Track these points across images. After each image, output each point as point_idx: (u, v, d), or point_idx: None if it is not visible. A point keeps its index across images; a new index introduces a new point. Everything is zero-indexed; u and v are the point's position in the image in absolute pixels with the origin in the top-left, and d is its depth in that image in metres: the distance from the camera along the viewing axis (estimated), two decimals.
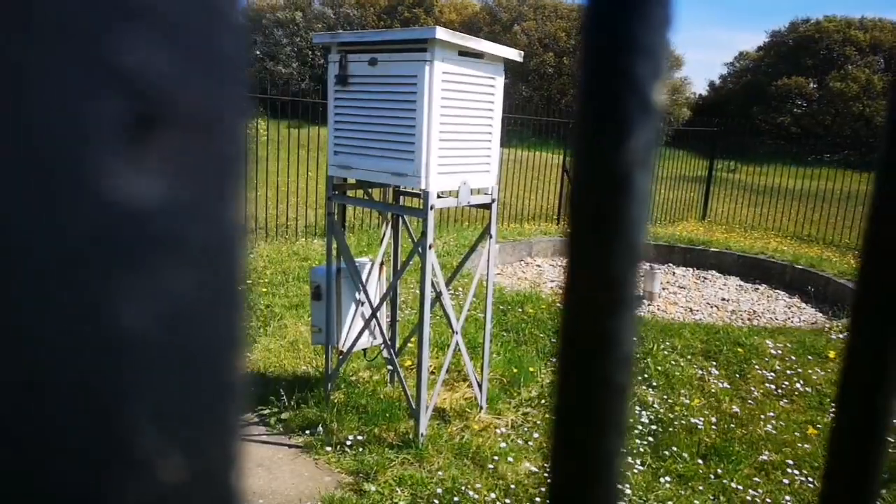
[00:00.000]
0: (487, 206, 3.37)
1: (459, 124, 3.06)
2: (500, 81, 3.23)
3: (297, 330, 4.76)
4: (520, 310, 5.13)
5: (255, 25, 40.35)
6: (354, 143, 3.22)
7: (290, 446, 3.31)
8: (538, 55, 34.96)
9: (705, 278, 7.81)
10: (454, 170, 3.08)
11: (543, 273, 7.70)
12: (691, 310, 6.48)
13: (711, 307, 6.60)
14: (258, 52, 39.97)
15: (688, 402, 3.81)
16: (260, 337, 4.69)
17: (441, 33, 2.80)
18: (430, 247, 3.04)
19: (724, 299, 6.92)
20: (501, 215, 9.95)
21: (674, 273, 8.03)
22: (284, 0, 40.35)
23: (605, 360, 0.26)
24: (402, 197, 3.63)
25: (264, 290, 5.71)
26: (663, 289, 7.15)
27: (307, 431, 3.38)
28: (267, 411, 3.58)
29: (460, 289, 5.50)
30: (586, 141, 0.25)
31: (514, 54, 3.21)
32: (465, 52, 3.01)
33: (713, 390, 4.00)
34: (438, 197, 3.05)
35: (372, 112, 3.11)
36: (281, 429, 3.45)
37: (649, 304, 6.60)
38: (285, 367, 4.18)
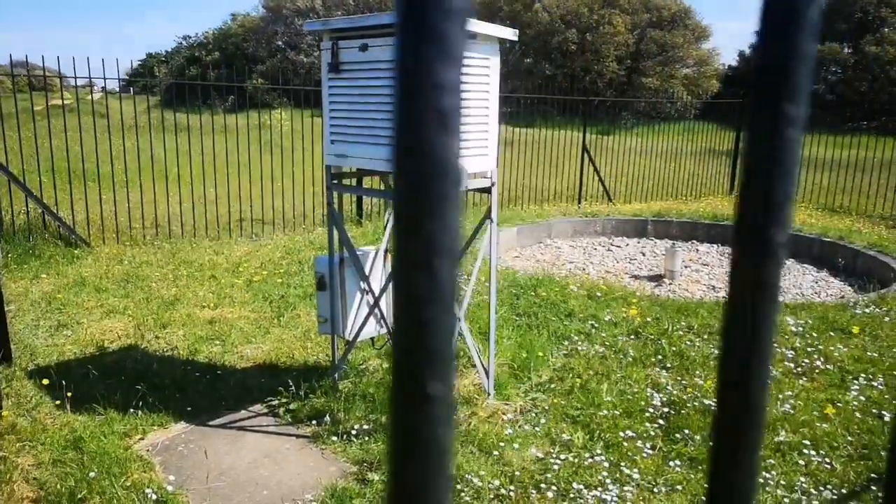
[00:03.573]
0: (487, 190, 3.31)
1: None
2: (495, 62, 3.15)
3: (310, 320, 4.77)
4: (533, 293, 5.07)
5: (275, 16, 40.44)
6: (349, 132, 3.18)
7: (297, 436, 3.32)
8: (560, 32, 34.38)
9: (730, 255, 7.62)
10: None
11: (562, 254, 7.60)
12: (714, 287, 6.33)
13: None
14: (279, 43, 40.11)
15: (702, 383, 3.72)
16: (273, 327, 4.71)
17: None
18: None
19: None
20: (522, 197, 9.83)
21: (697, 250, 7.85)
22: None
23: None
24: None
25: (279, 280, 5.74)
26: (685, 266, 7.00)
27: (314, 421, 3.39)
28: (276, 402, 3.60)
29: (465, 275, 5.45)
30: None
31: (509, 33, 3.13)
32: None
33: None
34: None
35: (365, 99, 3.07)
36: (289, 419, 3.46)
37: (670, 283, 6.47)
38: (296, 357, 4.20)
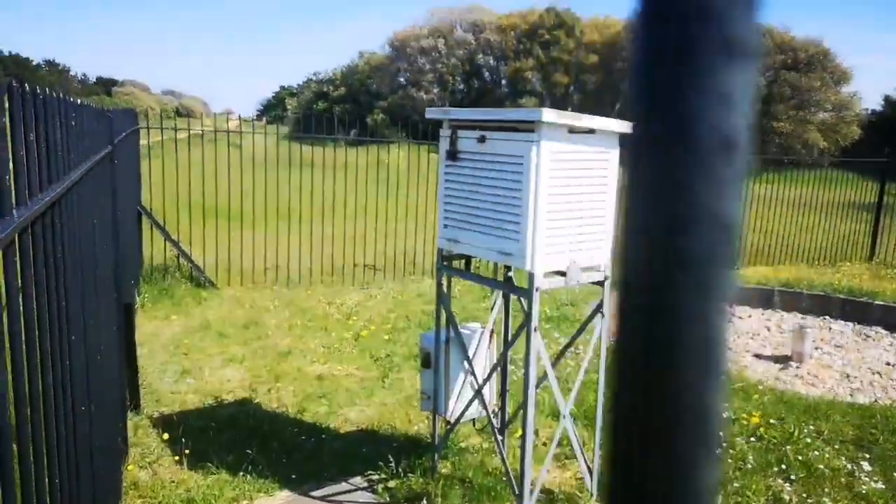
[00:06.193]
0: (600, 284, 3.21)
1: (569, 202, 2.94)
2: (614, 154, 3.07)
3: (413, 385, 4.81)
4: None
5: (399, 54, 42.20)
6: (462, 218, 3.20)
7: None
8: None
9: (868, 336, 6.94)
10: (563, 248, 2.97)
11: None
12: (848, 376, 5.77)
13: (873, 374, 5.85)
14: (402, 80, 41.72)
15: (830, 503, 3.37)
16: (377, 389, 4.79)
17: (548, 115, 2.71)
18: (534, 329, 2.94)
19: (889, 364, 6.11)
20: None
21: (830, 328, 7.22)
22: (428, 29, 41.83)
23: None
24: (513, 268, 3.55)
25: (386, 337, 5.85)
26: (816, 348, 6.45)
27: None
28: (375, 477, 3.63)
29: (580, 346, 5.30)
30: None
31: (629, 127, 3.03)
32: (575, 129, 2.90)
33: (863, 490, 3.50)
34: (545, 277, 2.95)
35: (480, 188, 3.08)
36: (387, 498, 3.47)
37: (797, 367, 5.97)
38: (397, 426, 4.23)
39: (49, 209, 1.37)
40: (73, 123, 1.90)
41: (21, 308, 1.14)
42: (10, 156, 1.10)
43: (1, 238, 0.98)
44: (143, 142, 7.93)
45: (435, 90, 39.44)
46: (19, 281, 1.13)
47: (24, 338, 1.16)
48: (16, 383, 1.10)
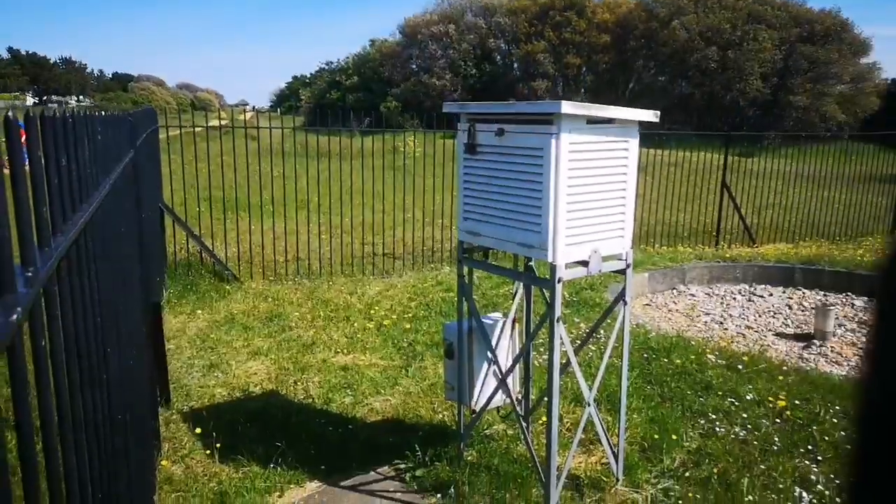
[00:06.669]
0: (622, 272, 3.22)
1: (589, 192, 2.95)
2: (633, 143, 3.07)
3: (436, 372, 4.86)
4: (665, 359, 4.85)
5: (410, 41, 41.97)
6: (483, 211, 3.22)
7: None
8: (699, 50, 32.90)
9: None
10: (584, 239, 2.98)
11: (698, 304, 7.22)
12: None
13: None
14: (414, 66, 41.54)
15: None
16: (401, 378, 4.84)
17: (566, 107, 2.71)
18: (557, 319, 2.96)
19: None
20: (654, 233, 9.47)
21: (853, 305, 7.16)
22: (439, 15, 41.54)
23: None
24: (534, 259, 3.57)
25: (408, 325, 5.90)
26: (839, 325, 6.41)
27: (439, 494, 3.43)
28: (403, 465, 3.69)
29: (602, 331, 5.32)
30: None
31: (649, 115, 3.03)
32: (594, 120, 2.89)
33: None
34: (567, 267, 2.96)
35: (500, 181, 3.09)
36: (415, 486, 3.53)
37: (820, 345, 5.94)
38: (422, 415, 4.28)
39: (82, 231, 1.41)
40: (100, 138, 1.94)
41: (61, 331, 1.19)
42: (45, 187, 1.14)
43: (46, 269, 1.02)
44: (160, 136, 8.01)
45: (447, 76, 39.26)
46: (58, 305, 1.17)
47: (64, 358, 1.20)
48: (59, 403, 1.15)
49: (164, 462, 3.58)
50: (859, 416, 0.28)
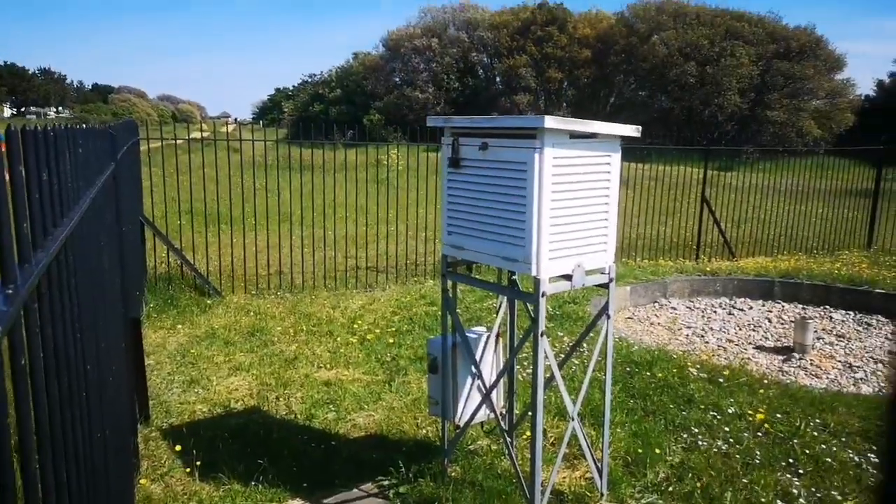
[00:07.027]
0: (605, 286, 3.24)
1: (573, 206, 2.97)
2: (616, 157, 3.10)
3: (421, 386, 4.83)
4: (648, 373, 4.87)
5: (393, 54, 42.14)
6: (467, 225, 3.22)
7: None
8: (678, 65, 33.42)
9: (869, 325, 6.98)
10: (567, 253, 2.99)
11: (679, 317, 7.27)
12: (851, 366, 5.81)
13: (876, 363, 5.88)
14: (397, 80, 41.69)
15: (839, 497, 3.40)
16: (384, 393, 4.81)
17: (550, 122, 2.74)
18: (542, 334, 2.97)
19: (893, 353, 6.15)
20: (635, 246, 9.55)
21: (831, 318, 7.26)
22: (422, 28, 41.78)
23: None
24: (517, 273, 3.58)
25: (391, 340, 5.87)
26: (818, 338, 6.49)
27: None
28: (386, 482, 3.66)
29: (585, 345, 5.33)
30: None
31: (630, 130, 3.06)
32: (577, 134, 2.92)
33: (872, 482, 3.53)
34: (550, 281, 2.97)
35: (483, 195, 3.10)
36: (399, 503, 3.50)
37: (799, 358, 6.01)
38: (406, 430, 4.25)
39: (63, 246, 1.39)
40: (80, 150, 1.92)
41: (41, 349, 1.17)
42: (27, 202, 1.12)
43: (27, 286, 1.01)
44: (141, 148, 7.94)
45: (430, 89, 39.44)
46: (38, 322, 1.15)
47: (44, 376, 1.18)
48: (38, 420, 1.13)
49: (142, 480, 3.51)
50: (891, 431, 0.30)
